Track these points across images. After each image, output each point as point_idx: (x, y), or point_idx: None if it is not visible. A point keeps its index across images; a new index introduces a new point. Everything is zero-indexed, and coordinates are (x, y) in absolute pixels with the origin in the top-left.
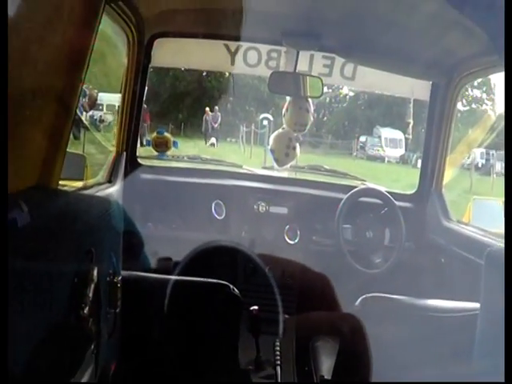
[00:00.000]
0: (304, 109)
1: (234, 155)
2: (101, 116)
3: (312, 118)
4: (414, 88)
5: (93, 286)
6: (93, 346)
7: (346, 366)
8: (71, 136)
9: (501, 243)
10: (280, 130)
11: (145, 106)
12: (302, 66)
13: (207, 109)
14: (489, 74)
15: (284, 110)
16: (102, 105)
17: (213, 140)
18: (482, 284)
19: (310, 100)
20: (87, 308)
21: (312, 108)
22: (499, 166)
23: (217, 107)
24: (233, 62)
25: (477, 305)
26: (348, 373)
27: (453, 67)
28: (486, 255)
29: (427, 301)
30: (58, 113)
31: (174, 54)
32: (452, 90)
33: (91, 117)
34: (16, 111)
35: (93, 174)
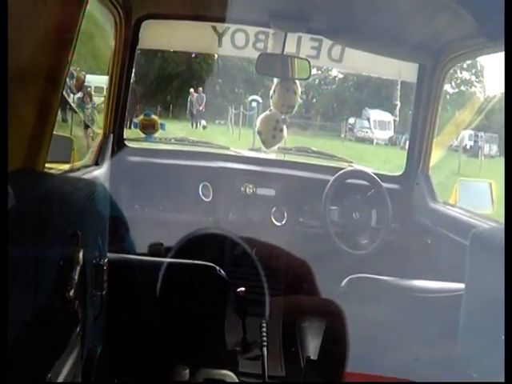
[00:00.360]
0: (291, 91)
1: (222, 137)
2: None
3: (299, 100)
4: (401, 70)
5: (78, 268)
6: (78, 329)
7: (332, 347)
8: (59, 118)
9: (485, 224)
10: (267, 112)
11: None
12: (290, 48)
13: (191, 90)
14: (476, 56)
15: (271, 92)
16: (90, 87)
17: (203, 122)
18: (467, 264)
19: (297, 82)
20: (73, 291)
21: (299, 90)
22: (487, 148)
23: (201, 88)
24: (220, 44)
25: (462, 285)
26: (334, 353)
27: (440, 49)
28: (470, 236)
29: (413, 281)
30: (44, 95)
31: (162, 35)
32: (439, 71)
33: (79, 99)
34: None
35: (80, 156)
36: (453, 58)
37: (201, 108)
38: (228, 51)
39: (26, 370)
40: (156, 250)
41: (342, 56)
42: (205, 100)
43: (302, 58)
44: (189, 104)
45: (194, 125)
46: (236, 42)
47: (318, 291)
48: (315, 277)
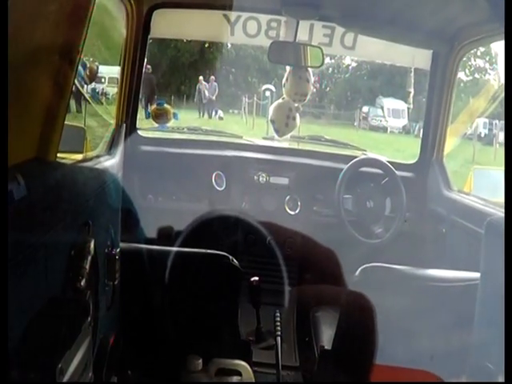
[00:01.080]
0: (304, 79)
1: (236, 126)
2: (103, 89)
3: (312, 88)
4: (414, 57)
5: (90, 258)
6: (89, 319)
7: (346, 337)
8: (74, 109)
9: (501, 212)
10: (280, 101)
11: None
12: (302, 36)
13: (200, 78)
14: (490, 42)
15: (284, 80)
16: (104, 78)
17: (220, 113)
18: (482, 253)
19: (310, 70)
20: (84, 281)
21: (312, 78)
22: (502, 136)
23: (213, 77)
24: (232, 33)
25: (478, 274)
26: (348, 343)
27: (454, 35)
28: (485, 225)
29: (428, 271)
30: (55, 85)
31: (173, 25)
32: (453, 58)
33: (93, 90)
34: (12, 83)
35: (94, 146)
36: (467, 44)
37: (213, 97)
38: (240, 40)
39: (36, 360)
40: (165, 234)
41: (354, 43)
42: (217, 90)
43: (314, 46)
44: (197, 92)
45: (207, 114)
46: (248, 31)
47: (332, 280)
48: (330, 265)
